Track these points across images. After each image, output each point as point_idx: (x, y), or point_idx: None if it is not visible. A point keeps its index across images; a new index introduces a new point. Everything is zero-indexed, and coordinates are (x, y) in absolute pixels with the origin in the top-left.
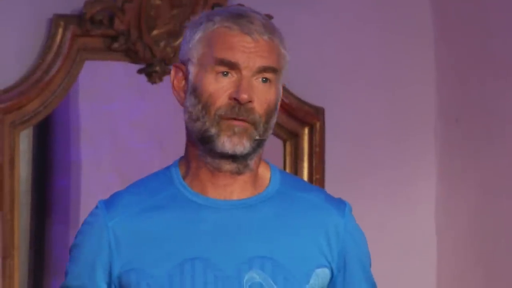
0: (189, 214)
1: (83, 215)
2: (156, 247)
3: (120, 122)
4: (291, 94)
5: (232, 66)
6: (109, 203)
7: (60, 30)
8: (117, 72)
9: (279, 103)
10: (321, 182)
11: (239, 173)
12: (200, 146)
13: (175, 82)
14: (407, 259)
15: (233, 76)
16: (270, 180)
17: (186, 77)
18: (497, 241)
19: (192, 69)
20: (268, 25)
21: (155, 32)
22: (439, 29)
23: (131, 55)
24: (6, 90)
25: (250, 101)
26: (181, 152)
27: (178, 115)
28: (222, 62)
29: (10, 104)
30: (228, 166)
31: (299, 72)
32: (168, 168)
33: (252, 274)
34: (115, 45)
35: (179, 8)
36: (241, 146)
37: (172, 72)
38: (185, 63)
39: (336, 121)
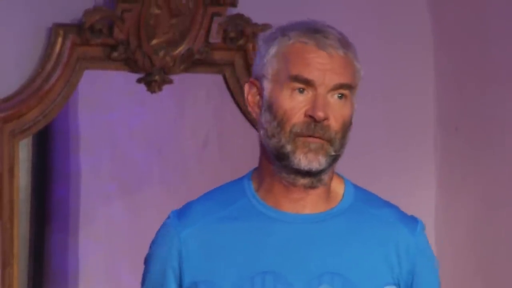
0: (260, 227)
1: (83, 223)
2: (227, 259)
3: (120, 131)
4: None
5: (308, 83)
6: (181, 213)
7: (60, 39)
8: (116, 81)
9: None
10: None
11: (313, 187)
12: (276, 162)
13: (249, 97)
14: None
15: (308, 93)
16: (343, 195)
17: (260, 93)
18: (497, 251)
19: (266, 85)
20: (343, 40)
21: (154, 41)
22: (438, 38)
23: (130, 64)
24: (6, 99)
25: (326, 119)
26: (180, 160)
27: (178, 124)
28: (297, 78)
29: (10, 113)
30: (302, 180)
31: None
32: (240, 179)
33: None
34: (115, 54)
35: (178, 17)
36: (316, 162)
37: (246, 87)
38: (259, 78)
39: None
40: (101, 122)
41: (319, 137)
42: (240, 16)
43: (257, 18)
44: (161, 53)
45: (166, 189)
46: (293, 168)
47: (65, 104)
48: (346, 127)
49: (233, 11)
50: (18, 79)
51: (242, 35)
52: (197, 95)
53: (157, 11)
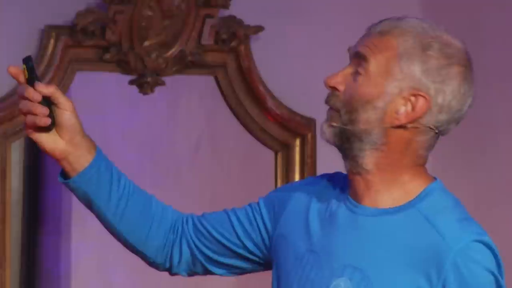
0: (330, 207)
1: (75, 226)
2: (302, 225)
3: (112, 133)
4: (283, 105)
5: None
6: (313, 177)
7: (52, 41)
8: (108, 83)
9: (378, 99)
10: None
11: (353, 172)
12: None
13: None
14: None
15: None
16: (414, 197)
17: None
18: None
19: None
20: (392, 24)
21: (146, 43)
22: None
23: (122, 66)
24: None
25: (332, 87)
26: (172, 162)
27: (170, 126)
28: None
29: (2, 115)
30: (344, 162)
31: (290, 83)
32: None
33: (339, 282)
34: (107, 56)
35: (171, 19)
36: (322, 131)
37: None
38: None
39: None
40: (93, 124)
41: (329, 105)
42: (232, 18)
43: (249, 20)
44: (154, 55)
45: (158, 191)
46: None
47: None
48: (354, 102)
49: (225, 13)
50: (10, 81)
51: (235, 37)
52: (190, 97)
53: (149, 13)
